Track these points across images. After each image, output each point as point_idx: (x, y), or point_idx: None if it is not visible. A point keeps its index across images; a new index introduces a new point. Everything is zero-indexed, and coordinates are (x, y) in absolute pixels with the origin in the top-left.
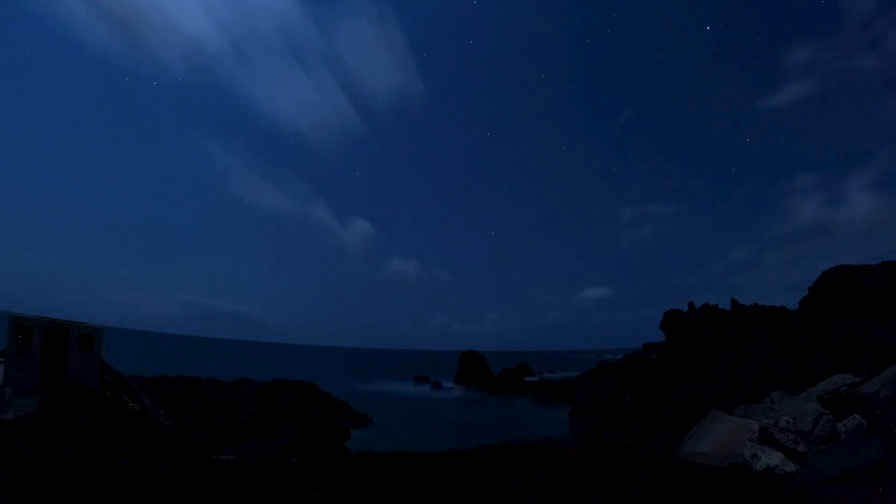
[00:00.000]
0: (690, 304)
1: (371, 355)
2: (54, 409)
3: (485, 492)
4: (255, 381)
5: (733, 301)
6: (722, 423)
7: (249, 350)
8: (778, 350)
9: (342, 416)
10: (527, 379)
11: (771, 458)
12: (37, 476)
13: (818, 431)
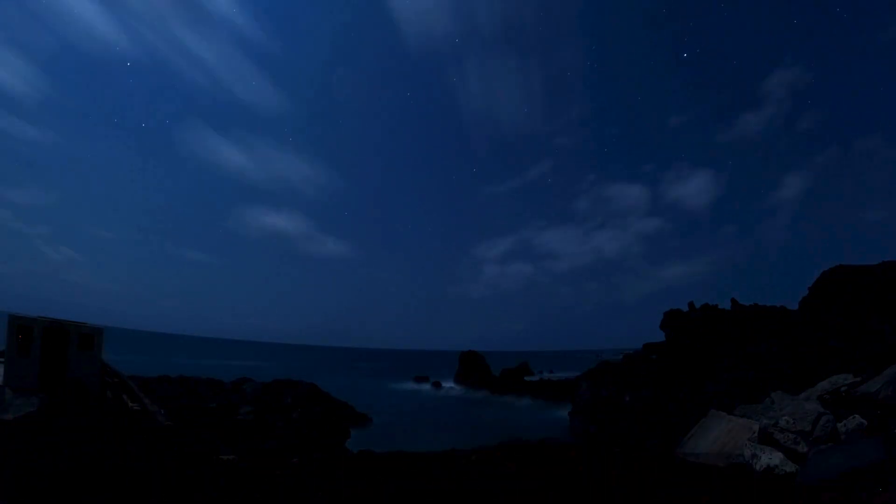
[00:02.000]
0: (690, 304)
1: (371, 355)
2: (54, 409)
3: (485, 492)
4: (255, 381)
5: (733, 301)
6: (722, 423)
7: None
8: (778, 350)
9: (342, 416)
10: (527, 379)
11: (771, 458)
12: (37, 476)
13: (818, 431)
